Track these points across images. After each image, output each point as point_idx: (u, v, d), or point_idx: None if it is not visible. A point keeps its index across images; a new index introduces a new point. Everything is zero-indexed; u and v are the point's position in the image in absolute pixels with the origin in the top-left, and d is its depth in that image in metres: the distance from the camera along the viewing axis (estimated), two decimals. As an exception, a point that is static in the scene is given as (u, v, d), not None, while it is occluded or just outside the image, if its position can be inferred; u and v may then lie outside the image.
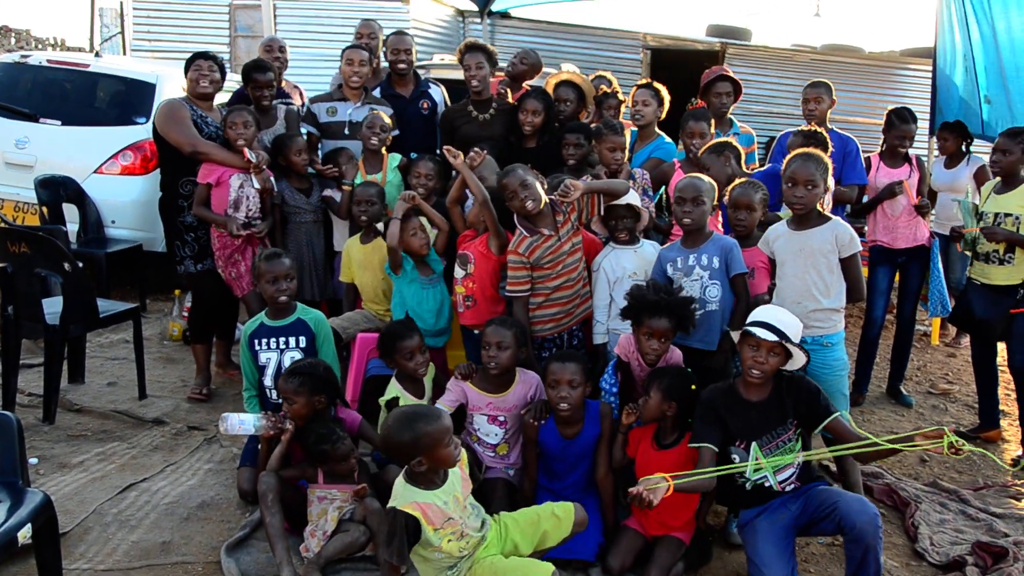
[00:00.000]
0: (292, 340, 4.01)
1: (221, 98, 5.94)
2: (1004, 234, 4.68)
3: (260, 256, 4.09)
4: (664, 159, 5.12)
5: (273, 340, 4.01)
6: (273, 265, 3.97)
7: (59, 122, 6.82)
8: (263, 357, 4.01)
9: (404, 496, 2.93)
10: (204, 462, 4.34)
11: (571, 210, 4.12)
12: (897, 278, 5.59)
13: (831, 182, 3.83)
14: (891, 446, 3.05)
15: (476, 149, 4.43)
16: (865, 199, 5.55)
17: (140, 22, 10.19)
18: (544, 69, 7.00)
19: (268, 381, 4.01)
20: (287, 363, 3.91)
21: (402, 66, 5.61)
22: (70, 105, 7.01)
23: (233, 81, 7.50)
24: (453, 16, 11.94)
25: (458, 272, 4.33)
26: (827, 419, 3.26)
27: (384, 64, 5.89)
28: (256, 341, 4.01)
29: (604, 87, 5.76)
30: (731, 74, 5.65)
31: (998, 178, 4.88)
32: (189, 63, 5.05)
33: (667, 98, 5.30)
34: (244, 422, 3.55)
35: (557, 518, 3.19)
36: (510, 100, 5.44)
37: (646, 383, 3.58)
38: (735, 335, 3.35)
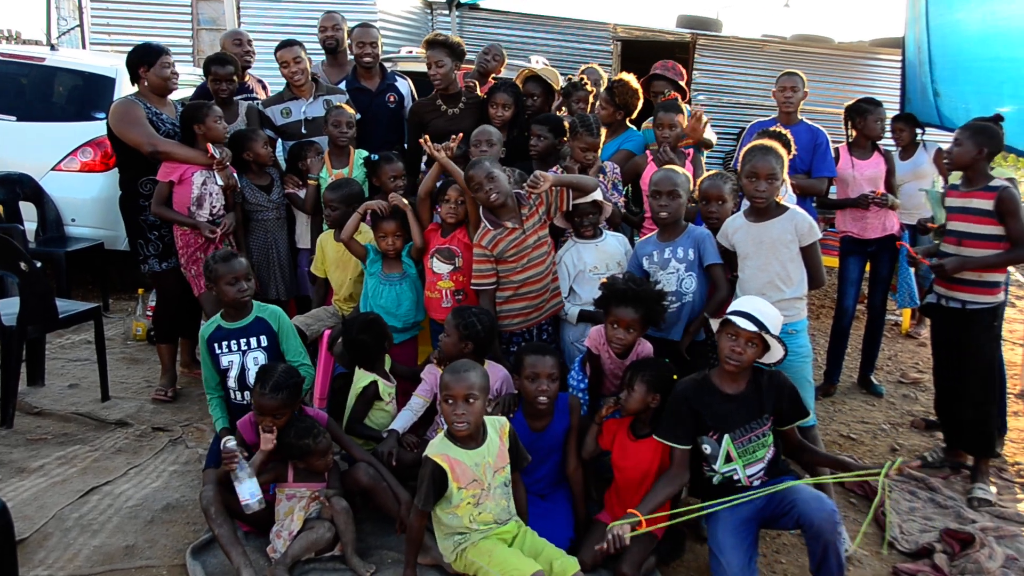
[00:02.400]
0: (253, 340, 3.90)
1: (186, 93, 5.84)
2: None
3: (215, 258, 3.89)
4: (634, 151, 5.09)
5: (234, 342, 3.89)
6: (232, 266, 3.83)
7: (14, 118, 6.66)
8: (224, 360, 3.89)
9: (438, 448, 3.15)
10: (169, 464, 4.27)
11: (539, 203, 4.08)
12: (868, 268, 5.62)
13: (787, 174, 3.82)
14: (829, 479, 3.35)
15: (453, 136, 4.35)
16: (833, 190, 5.56)
17: (98, 14, 9.99)
18: (514, 61, 6.94)
19: (232, 383, 3.90)
20: (250, 364, 3.85)
21: (368, 59, 5.53)
22: (26, 100, 6.85)
23: (196, 75, 7.40)
24: (421, 8, 11.84)
25: (442, 267, 4.27)
26: (796, 422, 3.34)
27: (350, 57, 5.80)
28: (216, 345, 3.90)
29: (571, 76, 5.67)
30: (670, 76, 5.55)
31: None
32: (152, 59, 4.84)
33: (637, 91, 5.24)
34: (253, 488, 3.33)
35: (551, 566, 3.13)
36: (479, 93, 5.38)
37: (628, 376, 3.53)
38: (715, 323, 3.34)
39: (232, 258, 3.88)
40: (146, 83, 4.89)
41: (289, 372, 3.55)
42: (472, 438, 3.15)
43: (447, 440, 3.17)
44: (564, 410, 3.67)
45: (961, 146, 4.18)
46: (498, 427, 3.26)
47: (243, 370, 3.87)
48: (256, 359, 3.87)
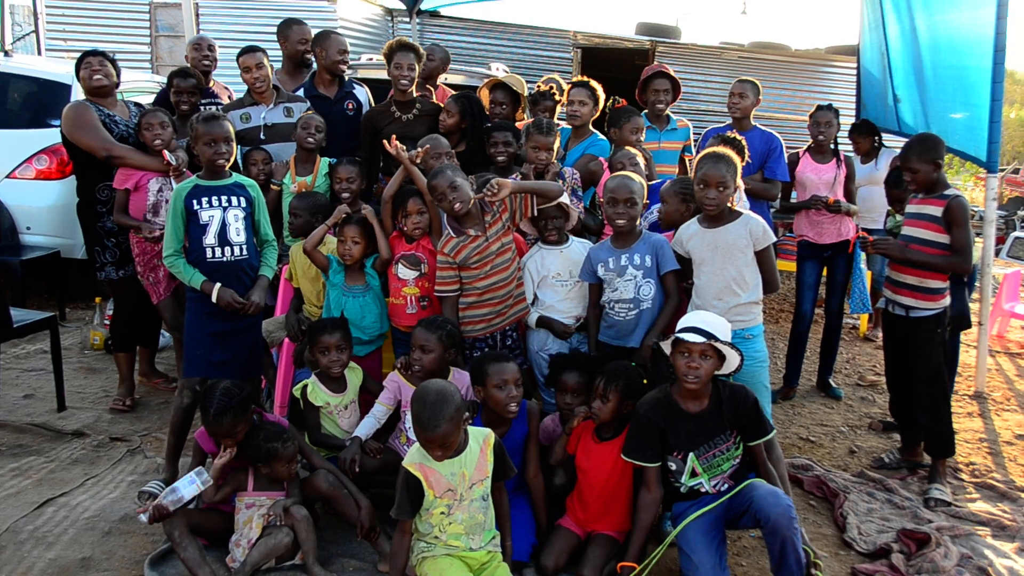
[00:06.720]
0: (235, 199, 3.98)
1: (145, 100, 5.78)
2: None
3: (197, 119, 3.93)
4: (599, 155, 5.11)
5: (215, 198, 3.93)
6: (211, 127, 3.87)
7: (-33, 125, 6.54)
8: (205, 215, 3.91)
9: (414, 458, 3.13)
10: (127, 474, 4.21)
11: (502, 210, 4.09)
12: (825, 272, 5.70)
13: (740, 180, 3.85)
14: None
15: (419, 146, 4.38)
16: (794, 195, 5.65)
17: (54, 20, 9.86)
18: (475, 69, 6.94)
19: (211, 240, 3.92)
20: (231, 220, 3.94)
21: (343, 67, 5.51)
22: (-22, 107, 6.74)
23: (154, 82, 7.33)
24: (381, 15, 11.82)
25: (407, 273, 4.24)
26: (758, 440, 3.33)
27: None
28: (195, 201, 3.90)
29: (541, 84, 5.67)
30: (670, 71, 5.67)
31: None
32: (78, 64, 4.87)
33: (602, 96, 5.28)
34: (187, 485, 3.26)
35: None
36: (435, 101, 5.38)
37: (601, 386, 3.51)
38: (666, 345, 3.35)
39: (214, 120, 3.90)
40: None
41: (229, 393, 3.43)
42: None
43: (422, 449, 3.13)
44: (523, 416, 3.67)
45: (918, 172, 4.24)
46: (481, 439, 3.22)
47: (224, 225, 3.93)
48: (236, 216, 3.96)
